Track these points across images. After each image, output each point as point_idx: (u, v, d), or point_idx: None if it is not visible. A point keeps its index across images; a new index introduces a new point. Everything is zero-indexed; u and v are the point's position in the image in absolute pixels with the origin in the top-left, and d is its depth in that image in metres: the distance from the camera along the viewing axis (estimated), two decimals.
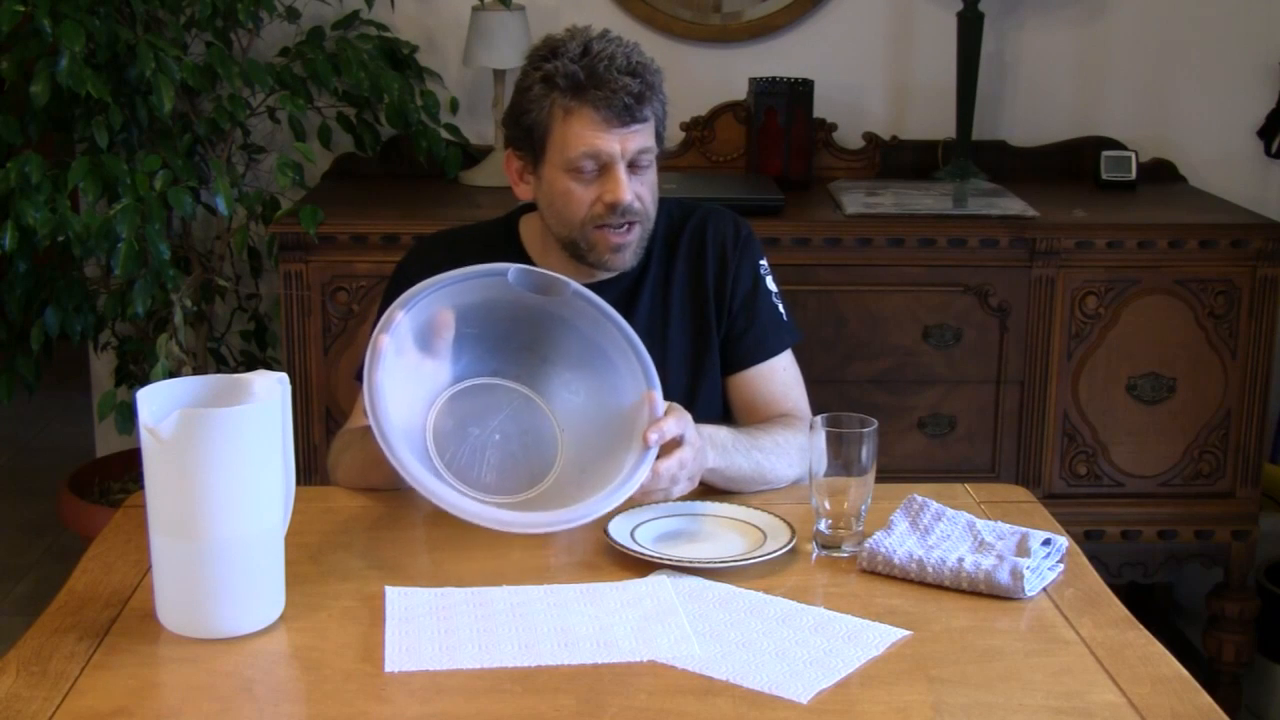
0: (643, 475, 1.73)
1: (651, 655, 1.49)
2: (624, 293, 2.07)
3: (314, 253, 2.79)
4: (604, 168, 1.96)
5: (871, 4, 3.30)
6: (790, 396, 2.11)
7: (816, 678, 1.45)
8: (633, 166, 1.97)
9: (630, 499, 1.74)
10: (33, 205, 2.67)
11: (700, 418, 1.98)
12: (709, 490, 1.90)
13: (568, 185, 1.98)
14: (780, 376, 2.12)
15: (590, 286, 2.02)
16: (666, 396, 1.94)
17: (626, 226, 1.99)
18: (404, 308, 1.76)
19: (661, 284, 2.10)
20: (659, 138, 2.02)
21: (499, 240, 2.13)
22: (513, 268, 1.82)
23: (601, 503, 1.70)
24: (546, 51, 1.98)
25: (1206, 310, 2.87)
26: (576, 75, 1.93)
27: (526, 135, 2.00)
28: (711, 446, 1.86)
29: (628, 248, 2.01)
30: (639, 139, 1.96)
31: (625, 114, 1.94)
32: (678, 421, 1.78)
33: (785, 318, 2.13)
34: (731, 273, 2.09)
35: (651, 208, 2.02)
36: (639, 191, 1.98)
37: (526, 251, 2.10)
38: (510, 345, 1.86)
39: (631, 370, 1.83)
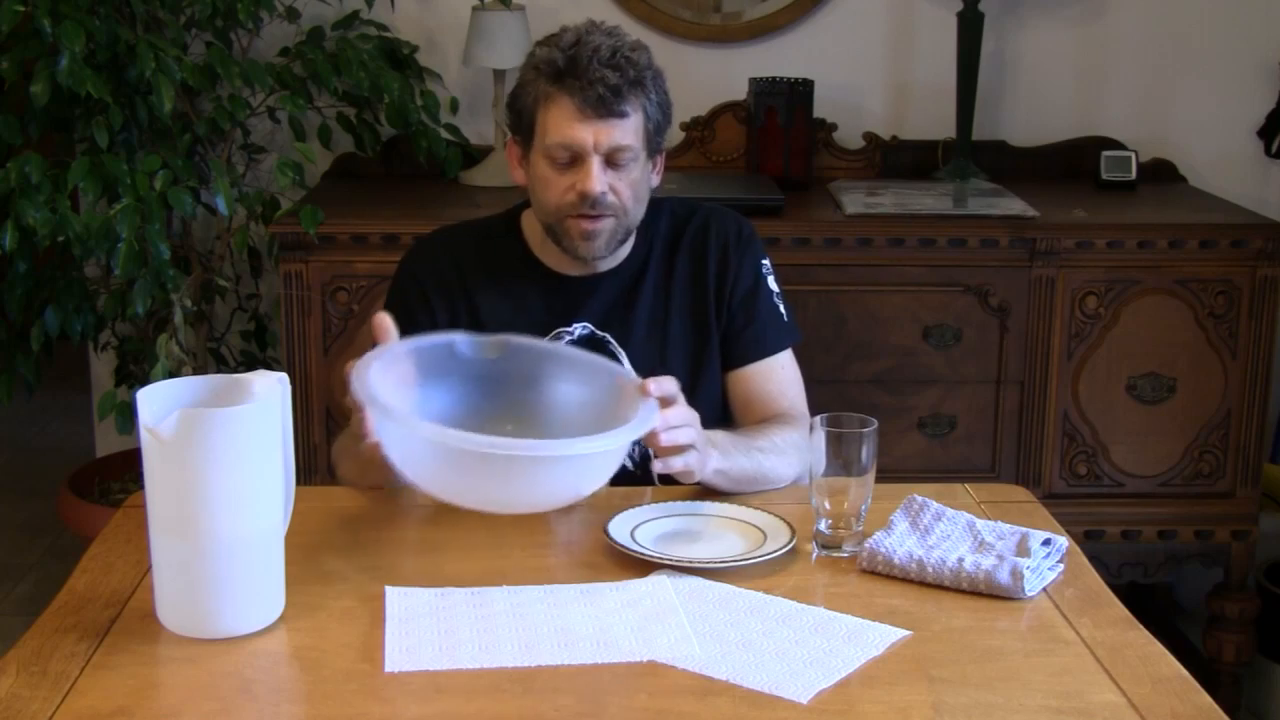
0: (653, 416, 1.71)
1: (651, 655, 1.49)
2: (625, 288, 2.09)
3: (314, 253, 2.79)
4: (577, 158, 1.97)
5: (871, 4, 3.30)
6: (788, 395, 2.12)
7: (816, 678, 1.45)
8: (611, 161, 1.97)
9: (649, 465, 1.75)
10: (33, 205, 2.67)
11: (701, 413, 1.98)
12: (709, 490, 1.90)
13: (546, 172, 1.99)
14: (779, 375, 2.12)
15: (590, 279, 2.07)
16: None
17: (599, 216, 1.99)
18: (363, 378, 1.72)
19: (663, 280, 2.10)
20: (652, 138, 2.01)
21: (501, 234, 2.14)
22: (459, 338, 1.84)
23: (621, 435, 1.66)
24: (545, 39, 2.01)
25: (1206, 310, 2.87)
26: (557, 63, 1.95)
27: (518, 120, 2.03)
28: (712, 447, 1.86)
29: (599, 235, 2.00)
30: (616, 134, 1.96)
31: (600, 106, 1.94)
32: (670, 379, 1.78)
33: (786, 318, 2.14)
34: (732, 270, 2.10)
35: (631, 204, 2.01)
36: (615, 185, 1.98)
37: (527, 243, 2.12)
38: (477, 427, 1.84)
39: (602, 384, 1.82)
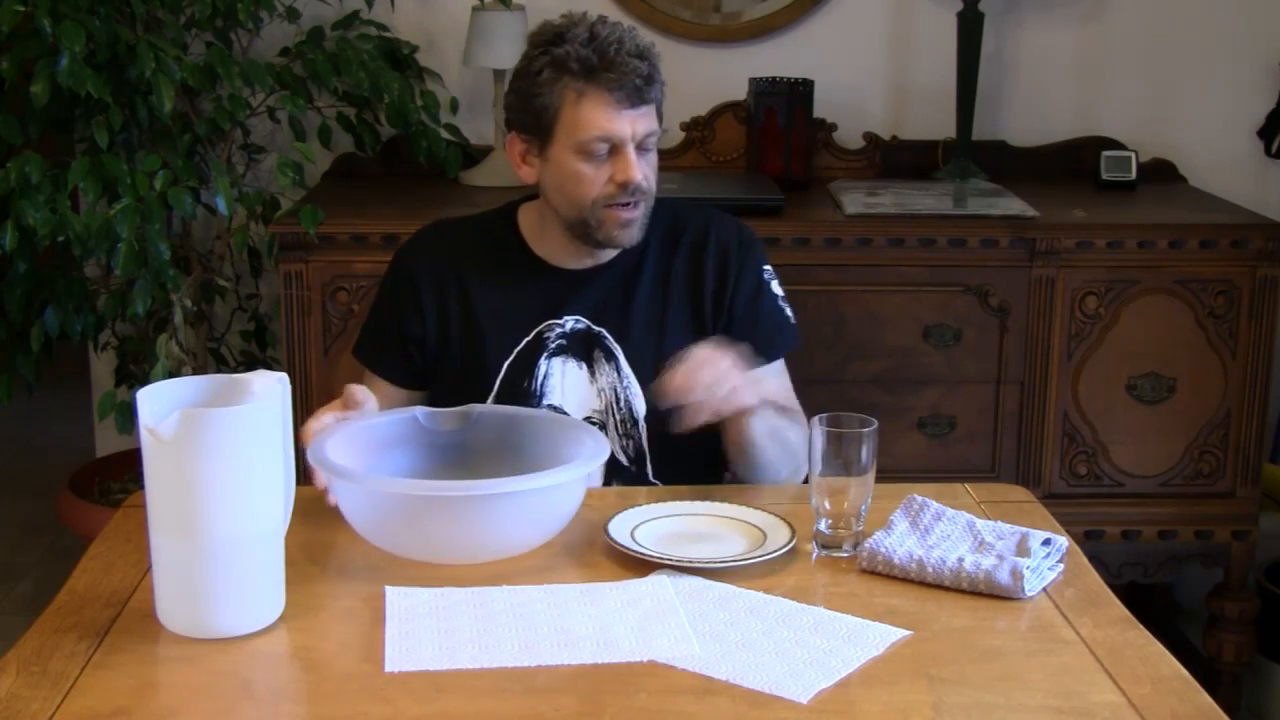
0: (601, 455, 1.75)
1: (651, 655, 1.49)
2: (621, 281, 2.11)
3: (314, 253, 2.79)
4: (614, 149, 2.00)
5: (871, 4, 3.30)
6: (791, 397, 2.13)
7: (816, 678, 1.45)
8: (640, 147, 2.02)
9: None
10: (33, 205, 2.67)
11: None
12: (709, 490, 1.91)
13: (578, 167, 2.01)
14: (784, 377, 2.13)
15: (590, 271, 2.10)
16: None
17: (634, 203, 2.03)
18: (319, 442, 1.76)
19: (661, 275, 2.12)
20: (659, 119, 2.06)
21: (498, 229, 2.17)
22: (419, 410, 1.89)
23: (553, 476, 1.68)
24: (551, 36, 2.02)
25: (1206, 310, 2.87)
26: (589, 59, 1.97)
27: (535, 119, 2.04)
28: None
29: (635, 223, 2.05)
30: (647, 121, 2.01)
31: (635, 96, 1.98)
32: (689, 368, 1.82)
33: (792, 320, 2.15)
34: (733, 275, 2.11)
35: (654, 185, 2.07)
36: (645, 171, 2.03)
37: (524, 238, 2.14)
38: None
39: (568, 440, 1.83)
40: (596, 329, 2.09)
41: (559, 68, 1.99)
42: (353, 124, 3.13)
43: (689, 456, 2.11)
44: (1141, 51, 3.32)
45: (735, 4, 3.33)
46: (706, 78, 3.27)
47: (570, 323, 2.09)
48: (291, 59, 3.03)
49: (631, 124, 1.99)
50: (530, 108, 2.03)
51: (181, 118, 2.94)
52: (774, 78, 3.17)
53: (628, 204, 2.02)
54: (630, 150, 2.00)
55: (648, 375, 2.08)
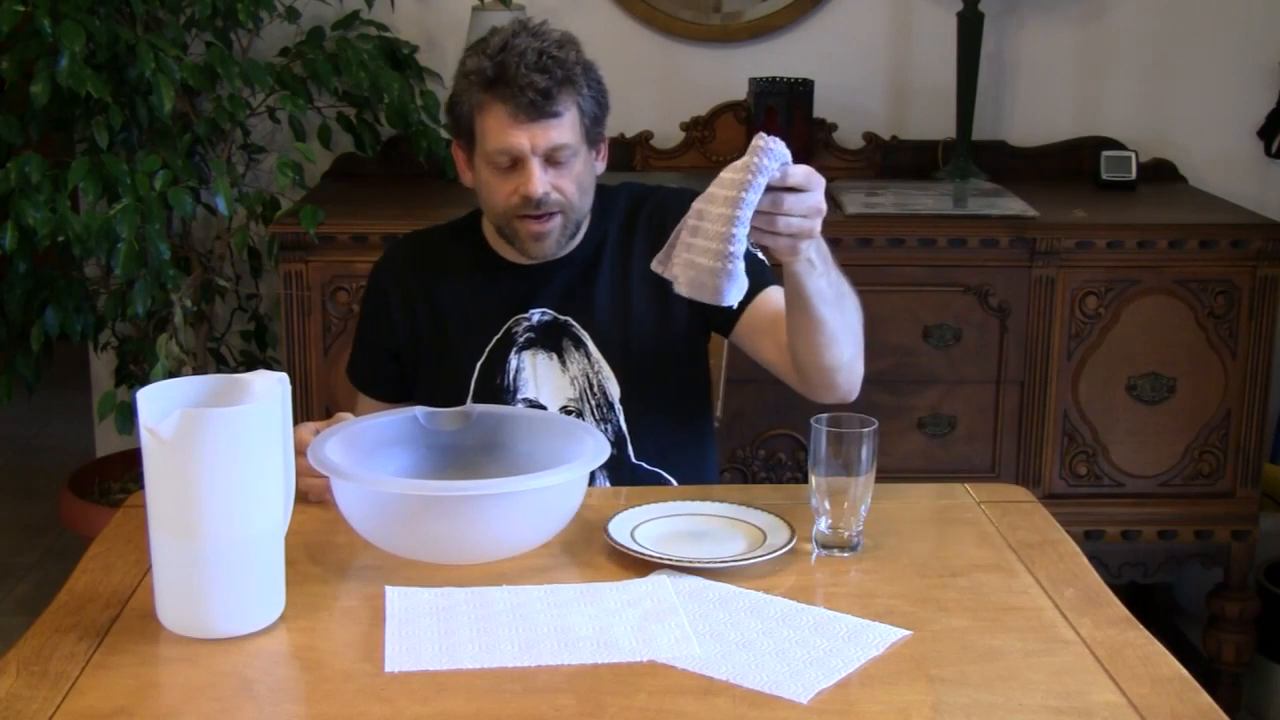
0: (601, 453, 1.74)
1: (651, 655, 1.49)
2: (582, 271, 2.12)
3: (314, 253, 2.79)
4: (517, 161, 2.00)
5: (871, 4, 3.30)
6: None
7: (816, 678, 1.45)
8: (551, 160, 2.00)
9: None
10: (33, 205, 2.67)
11: (668, 370, 2.06)
12: (709, 490, 1.91)
13: (489, 176, 2.03)
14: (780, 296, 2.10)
15: (552, 264, 2.10)
16: (634, 354, 2.04)
17: (546, 216, 2.02)
18: (320, 444, 1.77)
19: (621, 260, 2.13)
20: (590, 131, 2.03)
21: (463, 234, 2.19)
22: (419, 410, 1.89)
23: (549, 477, 1.69)
24: (476, 44, 2.04)
25: (1206, 310, 2.87)
26: (486, 72, 1.98)
27: (458, 126, 2.06)
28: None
29: (548, 236, 2.04)
30: (553, 134, 1.98)
31: (533, 110, 1.96)
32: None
33: (764, 259, 2.10)
34: None
35: (576, 199, 2.04)
36: (558, 184, 2.01)
37: (488, 240, 2.15)
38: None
39: (564, 438, 1.83)
40: (563, 318, 2.10)
41: (467, 78, 2.01)
42: (353, 124, 3.14)
43: (668, 435, 2.12)
44: (1141, 51, 3.32)
45: (735, 4, 3.33)
46: (706, 78, 3.27)
47: (537, 315, 2.10)
48: (291, 59, 3.03)
49: (530, 137, 1.97)
50: (453, 115, 2.06)
51: (181, 118, 2.94)
52: (774, 78, 3.18)
53: (538, 216, 2.01)
54: (533, 164, 1.98)
55: (617, 358, 2.08)
